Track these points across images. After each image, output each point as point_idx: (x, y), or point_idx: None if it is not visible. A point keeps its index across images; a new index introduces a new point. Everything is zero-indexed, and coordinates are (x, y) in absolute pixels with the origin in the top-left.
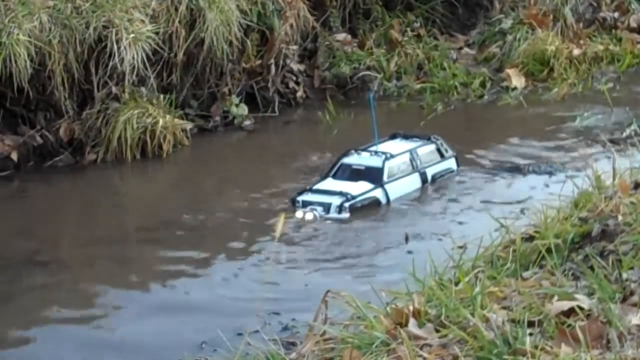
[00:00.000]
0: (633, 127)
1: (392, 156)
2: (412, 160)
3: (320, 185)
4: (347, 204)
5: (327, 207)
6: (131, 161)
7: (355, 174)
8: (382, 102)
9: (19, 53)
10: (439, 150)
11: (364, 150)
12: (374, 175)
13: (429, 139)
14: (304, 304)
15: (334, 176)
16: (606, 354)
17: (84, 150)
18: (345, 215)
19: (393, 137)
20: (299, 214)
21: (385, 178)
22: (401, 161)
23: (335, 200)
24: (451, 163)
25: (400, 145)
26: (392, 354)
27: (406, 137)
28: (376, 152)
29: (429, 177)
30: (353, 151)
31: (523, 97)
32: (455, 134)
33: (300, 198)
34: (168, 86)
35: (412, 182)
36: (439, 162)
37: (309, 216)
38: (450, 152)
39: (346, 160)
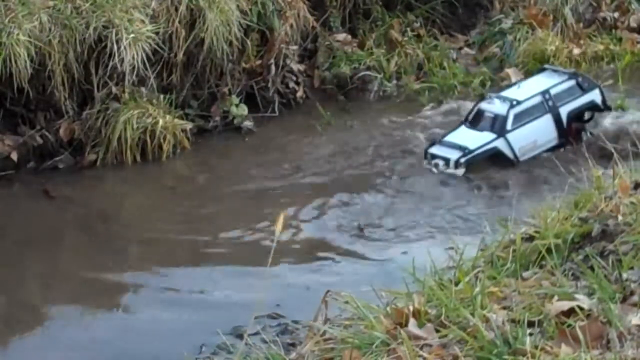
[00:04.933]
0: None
1: (518, 103)
2: (543, 102)
3: (451, 136)
4: (463, 160)
5: (447, 162)
6: (131, 161)
7: (484, 121)
8: (382, 102)
9: (19, 53)
10: (579, 84)
11: (498, 95)
12: (498, 124)
13: (569, 74)
14: (304, 304)
15: (468, 122)
16: (606, 354)
17: (84, 150)
18: (461, 170)
19: (541, 70)
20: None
21: (508, 127)
22: (530, 105)
23: (454, 155)
24: (593, 95)
25: (538, 83)
26: (392, 354)
27: (555, 71)
28: (505, 99)
29: (564, 117)
30: (491, 95)
31: None
32: None
33: (430, 150)
34: (168, 86)
35: (543, 124)
36: (576, 97)
37: (433, 170)
38: (591, 84)
39: (482, 105)
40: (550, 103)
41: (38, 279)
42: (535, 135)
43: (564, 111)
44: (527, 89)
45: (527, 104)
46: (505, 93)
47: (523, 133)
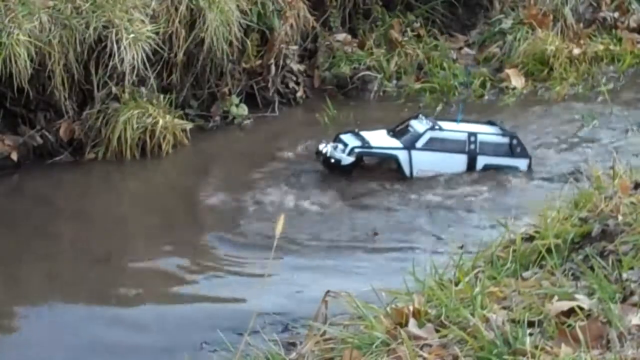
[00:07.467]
0: (633, 126)
1: (440, 129)
2: (466, 142)
3: (366, 132)
4: (357, 150)
5: (345, 146)
6: (131, 161)
7: (401, 134)
8: (381, 102)
9: (19, 53)
10: (511, 146)
11: (430, 118)
12: (411, 138)
13: (508, 134)
14: (304, 304)
15: (391, 132)
16: (606, 354)
17: (84, 150)
18: (349, 159)
19: (489, 123)
20: (321, 145)
21: (418, 145)
22: (451, 137)
23: (353, 143)
24: (519, 163)
25: (475, 127)
26: (392, 354)
27: (492, 123)
28: (431, 122)
29: (479, 166)
30: (425, 116)
31: (523, 97)
32: None
33: (340, 135)
34: (168, 86)
35: (454, 162)
36: (501, 155)
37: (321, 147)
38: (523, 152)
39: (411, 121)
40: (472, 146)
41: (38, 277)
42: (440, 167)
43: (481, 160)
44: (461, 126)
45: (448, 135)
46: (441, 122)
47: (430, 158)
